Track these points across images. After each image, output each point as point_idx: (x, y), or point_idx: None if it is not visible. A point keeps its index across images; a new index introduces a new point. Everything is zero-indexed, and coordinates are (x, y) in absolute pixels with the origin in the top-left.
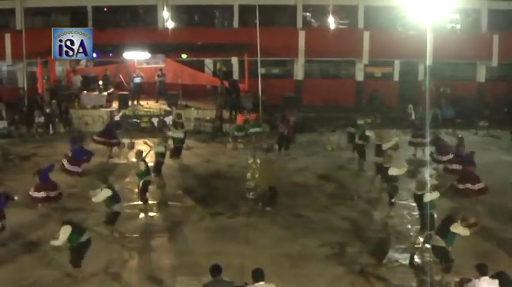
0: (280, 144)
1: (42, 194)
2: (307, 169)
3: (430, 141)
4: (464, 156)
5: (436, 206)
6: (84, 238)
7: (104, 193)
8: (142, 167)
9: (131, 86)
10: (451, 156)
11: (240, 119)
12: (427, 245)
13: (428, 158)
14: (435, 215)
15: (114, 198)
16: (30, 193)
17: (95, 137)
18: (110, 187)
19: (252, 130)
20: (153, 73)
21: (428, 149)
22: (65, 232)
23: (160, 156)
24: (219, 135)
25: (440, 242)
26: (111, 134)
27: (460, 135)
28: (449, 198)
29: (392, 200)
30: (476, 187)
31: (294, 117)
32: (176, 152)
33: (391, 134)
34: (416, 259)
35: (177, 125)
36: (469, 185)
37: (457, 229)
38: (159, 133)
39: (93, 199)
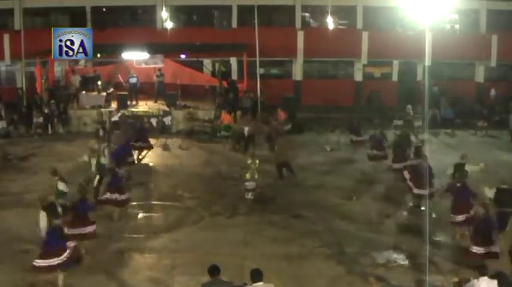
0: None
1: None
2: (307, 169)
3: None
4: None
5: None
6: None
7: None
8: (61, 187)
9: (127, 87)
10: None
11: (226, 118)
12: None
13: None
14: None
15: None
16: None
17: (132, 143)
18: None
19: None
20: (151, 73)
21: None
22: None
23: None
24: (217, 135)
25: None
26: (145, 137)
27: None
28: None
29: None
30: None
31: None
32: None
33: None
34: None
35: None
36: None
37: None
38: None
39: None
